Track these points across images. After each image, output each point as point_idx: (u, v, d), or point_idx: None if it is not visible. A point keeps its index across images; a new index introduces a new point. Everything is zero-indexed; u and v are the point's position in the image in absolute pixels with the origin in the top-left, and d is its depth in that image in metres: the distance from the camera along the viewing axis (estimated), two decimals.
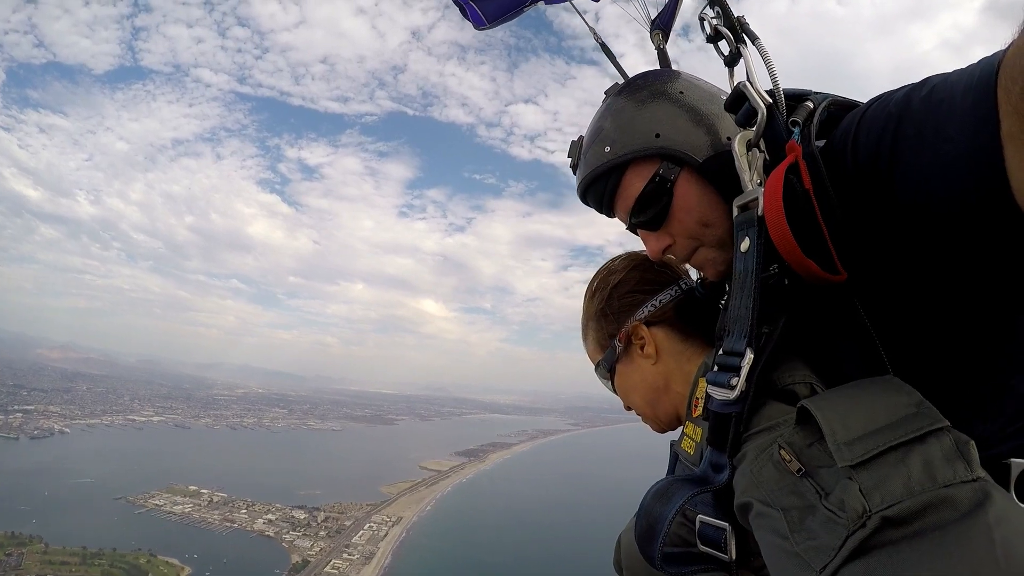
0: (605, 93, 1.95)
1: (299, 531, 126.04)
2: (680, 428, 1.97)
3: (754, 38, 1.60)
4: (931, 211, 1.21)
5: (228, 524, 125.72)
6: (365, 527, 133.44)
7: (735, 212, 1.54)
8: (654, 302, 1.97)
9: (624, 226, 1.88)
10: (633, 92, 1.81)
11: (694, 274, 2.07)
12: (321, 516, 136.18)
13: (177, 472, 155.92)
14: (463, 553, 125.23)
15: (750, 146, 1.54)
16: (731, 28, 1.61)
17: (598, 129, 1.81)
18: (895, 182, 1.24)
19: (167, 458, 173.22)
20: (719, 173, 1.67)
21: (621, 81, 1.97)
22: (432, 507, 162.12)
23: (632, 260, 2.07)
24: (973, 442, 0.99)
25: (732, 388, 1.38)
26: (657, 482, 1.59)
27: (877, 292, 1.45)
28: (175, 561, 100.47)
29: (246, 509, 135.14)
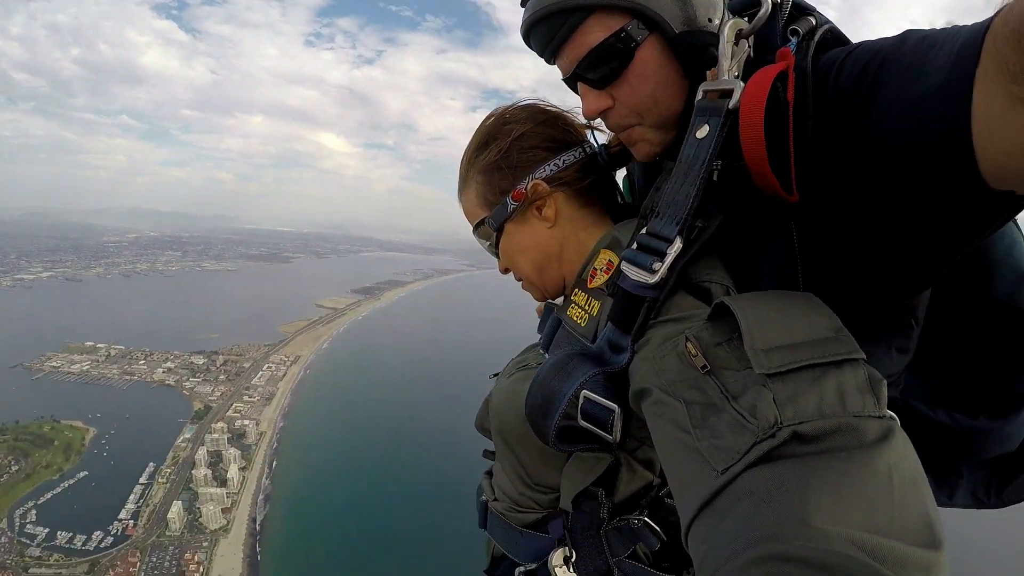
0: None
1: (199, 377, 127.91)
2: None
3: None
4: (896, 147, 1.17)
5: (128, 377, 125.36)
6: (264, 368, 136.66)
7: (699, 95, 1.43)
8: (557, 161, 1.80)
9: (559, 74, 1.63)
10: None
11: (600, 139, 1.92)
12: (220, 360, 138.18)
13: (72, 330, 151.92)
14: (359, 389, 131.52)
15: (739, 37, 1.42)
16: None
17: None
18: (870, 113, 1.19)
19: (61, 316, 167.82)
20: (688, 51, 1.52)
21: None
22: (328, 345, 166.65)
23: (534, 112, 1.87)
24: (885, 381, 0.98)
25: (653, 272, 1.32)
26: (554, 355, 1.51)
27: (815, 220, 1.40)
28: (79, 423, 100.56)
29: (144, 360, 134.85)
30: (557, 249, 1.80)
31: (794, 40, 1.39)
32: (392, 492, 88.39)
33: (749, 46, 1.44)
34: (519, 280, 1.91)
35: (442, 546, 74.60)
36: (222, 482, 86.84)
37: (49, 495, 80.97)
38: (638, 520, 1.47)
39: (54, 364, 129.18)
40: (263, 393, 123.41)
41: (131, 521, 76.89)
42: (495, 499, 1.89)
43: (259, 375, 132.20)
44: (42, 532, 74.24)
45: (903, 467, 0.86)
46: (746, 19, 1.42)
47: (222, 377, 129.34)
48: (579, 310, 1.65)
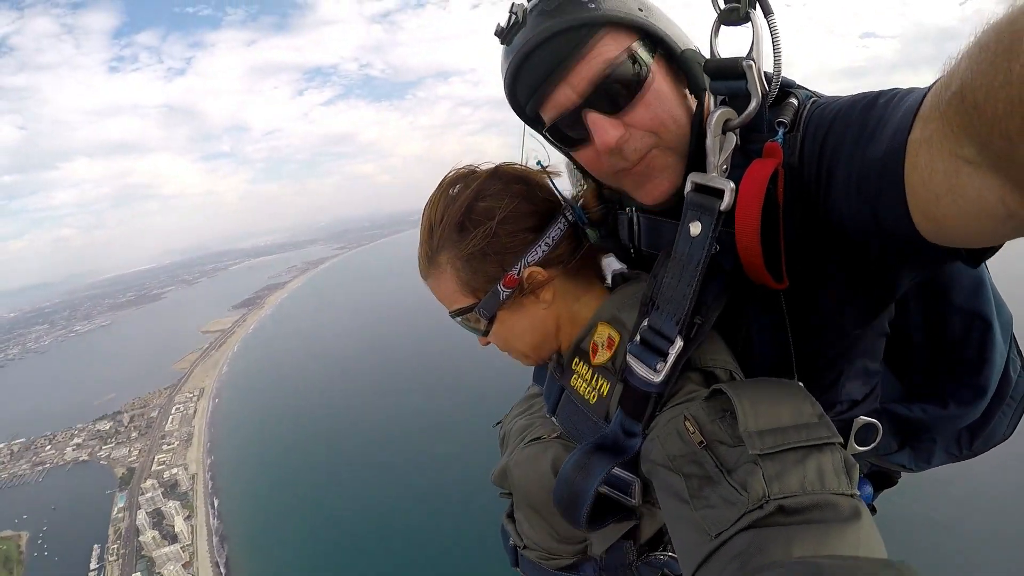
0: None
1: (111, 442, 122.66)
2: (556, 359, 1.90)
3: (769, 11, 1.34)
4: (849, 224, 1.24)
5: (40, 467, 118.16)
6: (172, 411, 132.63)
7: (688, 187, 1.43)
8: (547, 240, 1.69)
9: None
10: None
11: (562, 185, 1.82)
12: (126, 418, 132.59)
13: None
14: (274, 402, 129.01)
15: (726, 128, 1.40)
16: None
17: None
18: (829, 194, 1.27)
19: None
20: (690, 71, 1.51)
21: None
22: (228, 368, 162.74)
23: (509, 181, 1.71)
24: (858, 466, 1.11)
25: (657, 372, 1.38)
26: (573, 453, 1.53)
27: (799, 292, 1.47)
28: (7, 532, 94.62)
29: (50, 444, 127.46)
30: (554, 327, 1.79)
31: (781, 131, 1.38)
32: (338, 491, 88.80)
33: (737, 137, 1.42)
34: (514, 356, 1.89)
35: (403, 537, 76.05)
36: (172, 538, 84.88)
37: None
38: (664, 555, 1.58)
39: None
40: (180, 436, 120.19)
41: None
42: (524, 546, 1.93)
43: (170, 420, 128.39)
44: None
45: (870, 541, 0.97)
46: (739, 113, 1.40)
47: (134, 434, 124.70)
48: (586, 385, 1.66)
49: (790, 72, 1.43)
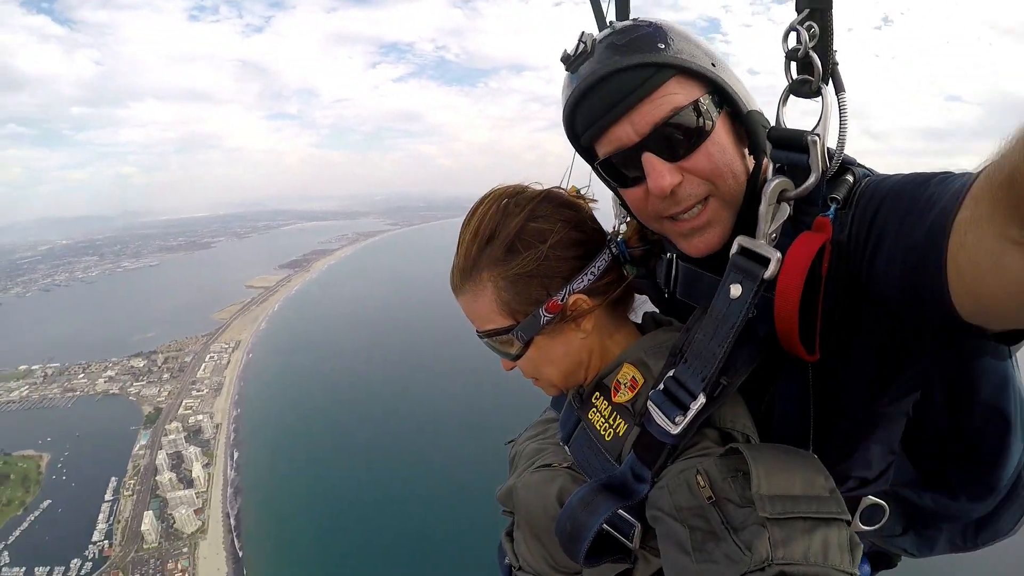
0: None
1: (142, 380, 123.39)
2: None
3: (841, 88, 1.38)
4: (891, 298, 1.26)
5: (70, 394, 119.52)
6: (207, 359, 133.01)
7: (735, 248, 1.46)
8: (593, 269, 1.72)
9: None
10: (674, 26, 1.54)
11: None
12: (160, 359, 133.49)
13: (2, 356, 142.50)
14: (306, 363, 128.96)
15: (781, 198, 1.44)
16: (824, 61, 1.36)
17: (641, 29, 1.51)
18: (873, 268, 1.28)
19: None
20: (754, 133, 1.55)
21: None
22: (267, 324, 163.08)
23: (559, 206, 1.75)
24: (861, 546, 1.14)
25: (676, 425, 1.40)
26: (582, 488, 1.55)
27: (828, 367, 1.49)
28: (31, 452, 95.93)
29: (84, 373, 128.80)
30: (587, 358, 1.79)
31: (833, 207, 1.39)
32: (358, 460, 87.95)
33: (790, 207, 1.44)
34: (540, 383, 1.88)
35: (417, 510, 74.94)
36: (188, 483, 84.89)
37: (17, 532, 77.66)
38: None
39: None
40: (211, 384, 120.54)
41: (106, 542, 74.57)
42: (519, 567, 1.91)
43: (203, 367, 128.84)
44: (19, 572, 71.16)
45: None
46: (797, 186, 1.42)
47: (166, 376, 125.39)
48: (603, 421, 1.69)
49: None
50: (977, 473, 1.87)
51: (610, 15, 1.75)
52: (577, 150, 1.73)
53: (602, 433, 1.68)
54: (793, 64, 1.42)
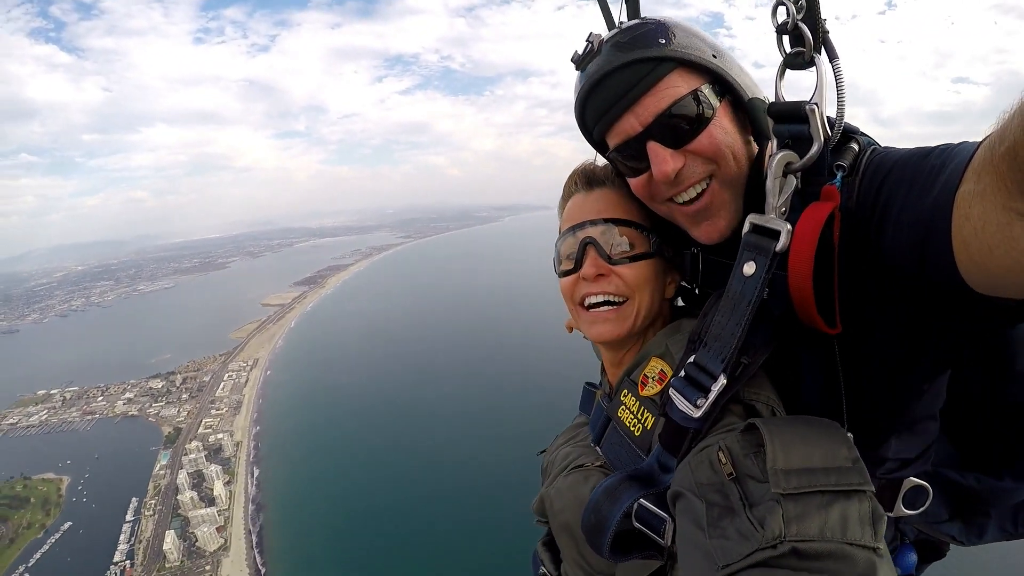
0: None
1: (161, 401, 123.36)
2: (599, 366, 2.13)
3: (834, 55, 1.40)
4: (901, 265, 1.26)
5: (90, 417, 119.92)
6: (225, 378, 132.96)
7: (746, 227, 1.48)
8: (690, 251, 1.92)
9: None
10: (678, 22, 1.62)
11: None
12: (179, 379, 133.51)
13: (20, 382, 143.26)
14: (324, 378, 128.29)
15: (787, 171, 1.45)
16: (813, 31, 1.39)
17: (646, 27, 1.58)
18: (882, 236, 1.29)
19: (5, 370, 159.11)
20: (756, 119, 1.61)
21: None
22: (283, 342, 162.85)
23: None
24: (885, 517, 1.08)
25: (697, 408, 1.40)
26: (606, 479, 1.58)
27: (855, 341, 1.48)
28: (51, 475, 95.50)
29: (102, 396, 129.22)
30: (656, 314, 1.90)
31: (839, 175, 1.41)
32: (379, 473, 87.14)
33: (797, 180, 1.46)
34: (611, 298, 1.84)
35: (440, 521, 73.88)
36: (210, 501, 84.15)
37: (38, 554, 77.15)
38: None
39: (11, 421, 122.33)
40: (230, 403, 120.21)
41: (127, 562, 73.73)
42: (557, 575, 1.98)
43: (221, 386, 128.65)
44: None
45: None
46: (801, 157, 1.43)
47: (185, 396, 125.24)
48: (632, 416, 1.73)
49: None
50: (1022, 449, 1.84)
51: (622, 15, 1.80)
52: (591, 143, 1.82)
53: (631, 429, 1.71)
54: (786, 38, 1.45)
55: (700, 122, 1.55)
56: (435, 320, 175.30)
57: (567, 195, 2.03)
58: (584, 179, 1.96)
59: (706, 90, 1.55)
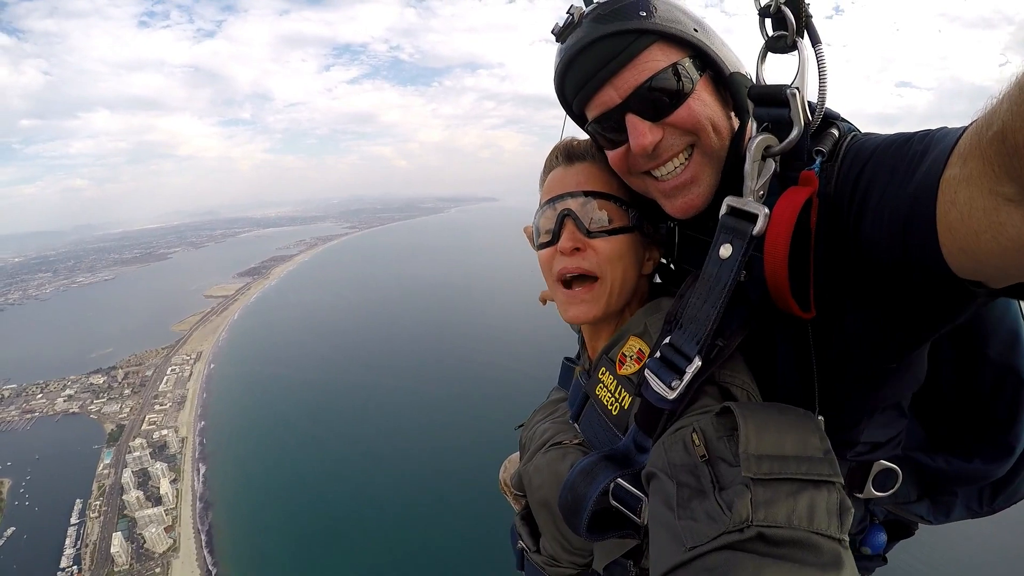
0: None
1: (103, 397, 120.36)
2: (577, 336, 2.17)
3: (817, 40, 1.39)
4: (881, 252, 1.24)
5: (29, 416, 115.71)
6: (168, 372, 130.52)
7: (724, 209, 1.45)
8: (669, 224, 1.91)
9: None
10: None
11: None
12: (120, 374, 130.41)
13: None
14: (270, 371, 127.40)
15: (766, 155, 1.44)
16: (796, 15, 1.38)
17: (626, 2, 1.54)
18: (861, 223, 1.27)
19: None
20: (736, 93, 1.59)
21: None
22: (227, 334, 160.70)
23: None
24: (852, 510, 1.08)
25: (672, 390, 1.40)
26: (582, 460, 1.58)
27: (828, 325, 1.47)
28: None
29: (42, 393, 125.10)
30: (633, 294, 1.89)
31: (819, 160, 1.40)
32: (328, 467, 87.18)
33: (776, 164, 1.44)
34: (582, 274, 1.81)
35: (393, 510, 74.48)
36: (156, 500, 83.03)
37: None
38: None
39: None
40: (173, 398, 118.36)
41: (75, 567, 72.04)
42: (535, 550, 1.97)
43: (164, 380, 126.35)
44: None
45: None
46: (780, 141, 1.42)
47: (127, 391, 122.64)
48: (609, 395, 1.73)
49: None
50: (992, 433, 1.85)
51: None
52: (570, 115, 1.81)
53: (609, 408, 1.71)
54: (768, 21, 1.44)
55: (679, 95, 1.53)
56: (381, 311, 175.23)
57: (548, 169, 2.00)
58: (565, 153, 1.94)
59: (686, 63, 1.53)
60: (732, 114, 1.63)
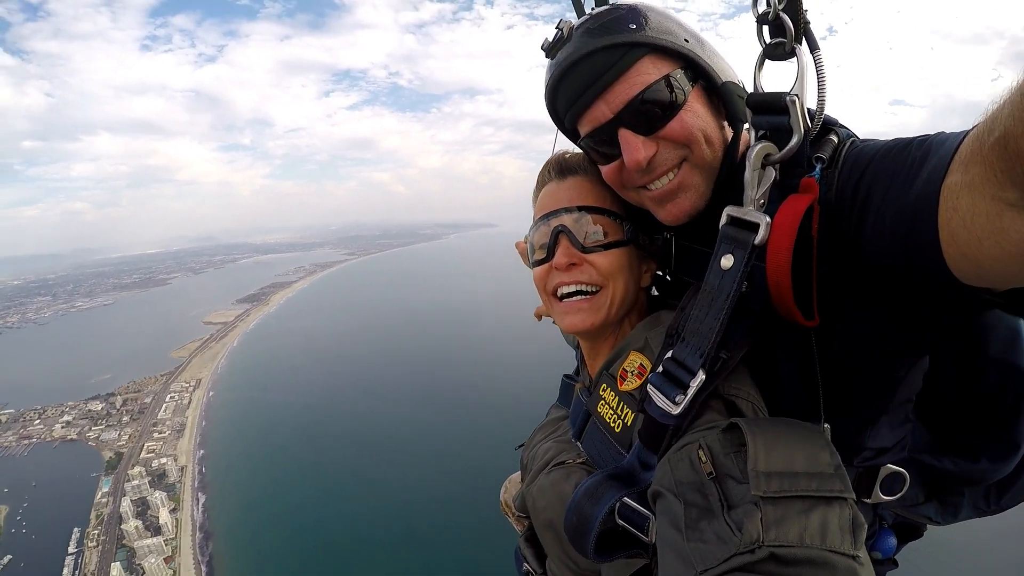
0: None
1: (101, 424, 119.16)
2: (576, 353, 2.14)
3: (815, 46, 1.38)
4: (883, 259, 1.23)
5: (26, 442, 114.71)
6: (167, 399, 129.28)
7: (724, 219, 1.44)
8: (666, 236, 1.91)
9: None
10: (649, 4, 1.59)
11: None
12: (119, 401, 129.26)
13: None
14: (269, 398, 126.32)
15: (766, 163, 1.42)
16: (794, 21, 1.37)
17: (616, 12, 1.54)
18: (862, 230, 1.26)
19: None
20: (729, 103, 1.58)
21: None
22: (226, 361, 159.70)
23: None
24: (865, 525, 1.06)
25: (676, 405, 1.38)
26: (586, 480, 1.56)
27: (831, 332, 1.47)
28: None
29: (39, 419, 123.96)
30: (632, 305, 1.86)
31: (819, 167, 1.38)
32: (329, 493, 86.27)
33: (776, 172, 1.42)
34: (583, 287, 1.79)
35: (393, 541, 73.60)
36: (156, 530, 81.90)
37: None
38: None
39: None
40: (172, 425, 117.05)
41: None
42: (541, 573, 1.95)
43: (163, 408, 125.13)
44: None
45: None
46: (780, 149, 1.40)
47: (126, 418, 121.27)
48: (611, 412, 1.70)
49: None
50: (996, 432, 1.84)
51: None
52: (562, 131, 1.80)
53: (611, 425, 1.68)
54: (766, 28, 1.43)
55: (672, 108, 1.52)
56: (380, 338, 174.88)
57: (540, 184, 1.98)
58: (557, 167, 1.92)
59: (678, 75, 1.52)
60: (725, 123, 1.62)
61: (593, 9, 1.61)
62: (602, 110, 1.57)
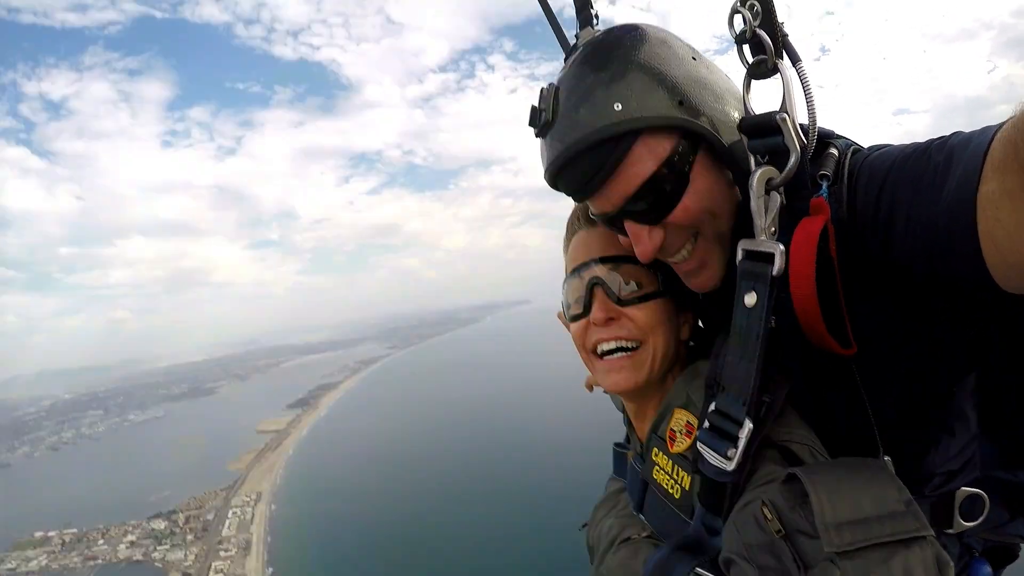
0: (579, 38, 1.68)
1: (166, 543, 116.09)
2: (624, 422, 2.04)
3: (796, 59, 1.35)
4: (918, 267, 1.19)
5: (92, 563, 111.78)
6: (229, 515, 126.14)
7: (740, 255, 1.41)
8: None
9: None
10: (638, 41, 1.46)
11: None
12: (181, 518, 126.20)
13: (16, 521, 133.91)
14: (331, 508, 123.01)
15: (769, 188, 1.36)
16: (772, 36, 1.33)
17: (599, 78, 1.42)
18: (891, 241, 1.22)
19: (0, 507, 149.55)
20: (735, 165, 1.49)
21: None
22: (284, 471, 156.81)
23: None
24: (951, 563, 0.99)
25: (729, 460, 1.32)
26: (654, 553, 1.52)
27: (872, 357, 1.41)
28: None
29: (103, 539, 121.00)
30: (673, 361, 1.78)
31: (824, 185, 1.34)
32: None
33: (781, 196, 1.37)
34: (623, 343, 1.72)
35: None
36: None
37: None
38: None
39: (9, 566, 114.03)
40: (238, 543, 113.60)
41: None
42: None
43: (227, 524, 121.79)
44: None
45: None
46: (780, 170, 1.36)
47: (190, 537, 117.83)
48: (667, 477, 1.63)
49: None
50: None
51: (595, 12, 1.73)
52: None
53: (670, 491, 1.62)
54: (747, 48, 1.40)
55: (674, 195, 1.45)
56: (433, 435, 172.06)
57: (570, 233, 1.91)
58: (586, 215, 1.81)
59: (676, 155, 1.43)
60: (733, 184, 1.56)
61: (575, 53, 1.55)
62: (603, 205, 1.53)
